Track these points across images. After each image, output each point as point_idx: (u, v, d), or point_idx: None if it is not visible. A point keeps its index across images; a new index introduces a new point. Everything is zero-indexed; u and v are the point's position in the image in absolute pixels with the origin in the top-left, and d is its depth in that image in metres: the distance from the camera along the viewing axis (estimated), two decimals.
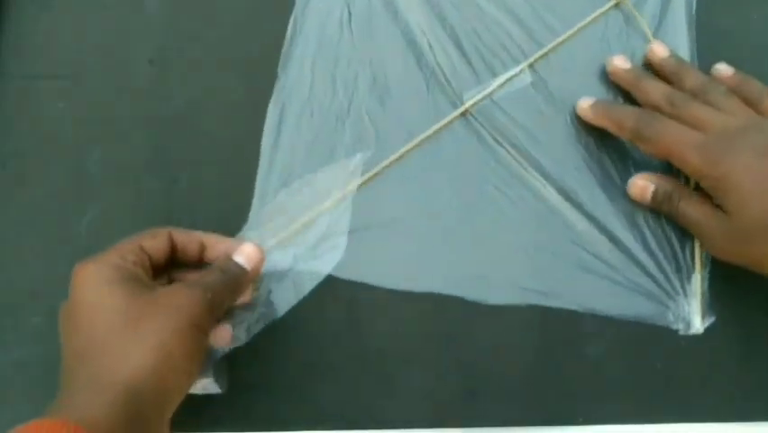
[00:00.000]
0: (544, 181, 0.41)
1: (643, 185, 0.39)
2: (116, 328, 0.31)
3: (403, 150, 0.41)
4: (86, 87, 0.43)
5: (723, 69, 0.40)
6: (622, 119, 0.39)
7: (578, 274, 0.40)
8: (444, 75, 0.42)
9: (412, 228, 0.40)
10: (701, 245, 0.39)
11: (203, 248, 0.36)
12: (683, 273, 0.39)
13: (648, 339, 0.39)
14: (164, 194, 0.42)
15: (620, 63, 0.41)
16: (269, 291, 0.38)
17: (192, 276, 0.35)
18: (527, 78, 0.42)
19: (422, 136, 0.41)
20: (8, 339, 0.40)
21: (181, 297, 0.32)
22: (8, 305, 0.40)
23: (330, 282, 0.40)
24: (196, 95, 0.43)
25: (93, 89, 0.43)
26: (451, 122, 0.42)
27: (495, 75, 0.42)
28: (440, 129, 0.41)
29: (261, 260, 0.36)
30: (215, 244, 0.36)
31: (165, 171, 0.42)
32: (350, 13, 0.44)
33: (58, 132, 0.43)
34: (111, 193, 0.42)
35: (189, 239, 0.36)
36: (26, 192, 0.42)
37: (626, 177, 0.41)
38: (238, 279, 0.35)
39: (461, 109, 0.42)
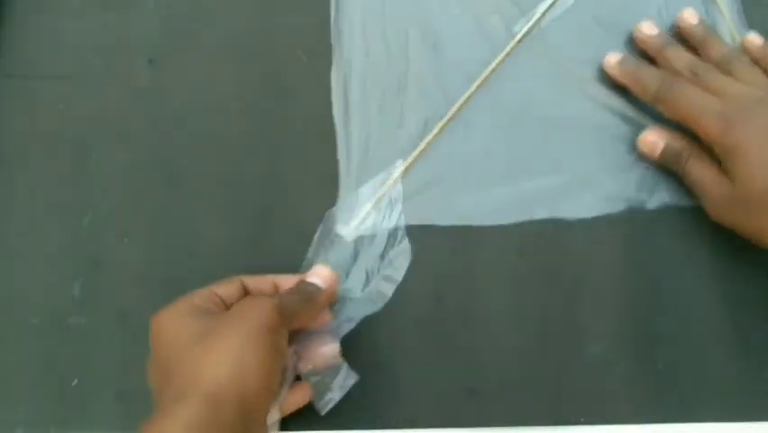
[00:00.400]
0: (608, 92, 0.42)
1: (653, 141, 0.40)
2: (191, 346, 0.31)
3: (467, 93, 0.42)
4: (86, 87, 0.43)
5: (752, 38, 0.41)
6: (647, 82, 0.40)
7: (659, 173, 0.41)
8: (489, 13, 0.44)
9: (494, 164, 0.42)
10: (703, 206, 0.39)
11: (277, 288, 0.37)
12: None
13: (648, 339, 0.39)
14: (164, 194, 0.42)
15: (647, 29, 0.41)
16: (353, 304, 0.39)
17: None
18: (569, 1, 0.44)
19: (482, 77, 0.42)
20: (8, 339, 0.40)
21: (249, 304, 0.33)
22: (8, 305, 0.40)
23: None
24: (196, 95, 0.43)
25: (93, 89, 0.43)
26: (506, 56, 0.43)
27: (537, 3, 0.44)
28: (497, 66, 0.43)
29: (335, 279, 0.37)
30: (288, 281, 0.37)
31: (165, 171, 0.42)
32: None
33: (58, 132, 0.43)
34: (111, 193, 0.42)
35: (261, 284, 0.37)
36: (26, 192, 0.42)
37: None
38: (311, 294, 0.36)
39: (514, 42, 0.43)
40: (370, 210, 0.40)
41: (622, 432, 0.38)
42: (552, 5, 0.44)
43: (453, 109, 0.42)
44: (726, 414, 0.38)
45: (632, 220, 0.41)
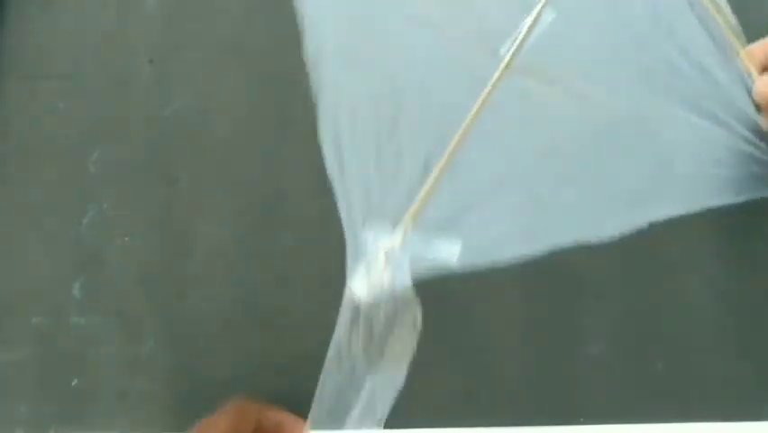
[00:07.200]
0: (609, 102, 0.41)
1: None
2: None
3: (464, 125, 0.41)
4: (86, 87, 0.43)
5: None
6: None
7: (677, 174, 0.40)
8: (472, 39, 0.42)
9: (508, 194, 0.40)
10: None
11: None
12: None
13: (648, 339, 0.39)
14: (164, 194, 0.42)
15: (763, 86, 0.38)
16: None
17: None
18: (549, 14, 0.42)
19: (476, 106, 0.41)
20: (8, 339, 0.40)
21: None
22: (8, 305, 0.40)
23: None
24: (196, 95, 0.43)
25: (93, 89, 0.43)
26: (498, 82, 0.41)
27: (519, 22, 0.42)
28: (491, 92, 0.41)
29: None
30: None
31: (165, 171, 0.42)
32: (352, 17, 0.43)
33: (58, 132, 0.43)
34: (111, 193, 0.42)
35: None
36: (26, 192, 0.42)
37: (677, 71, 0.41)
38: None
39: (503, 65, 0.42)
40: (383, 267, 0.38)
41: (622, 432, 0.38)
42: (533, 24, 0.41)
43: (452, 145, 0.40)
44: (726, 414, 0.38)
45: None
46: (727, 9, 0.41)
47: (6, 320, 0.40)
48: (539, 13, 0.42)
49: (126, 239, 0.41)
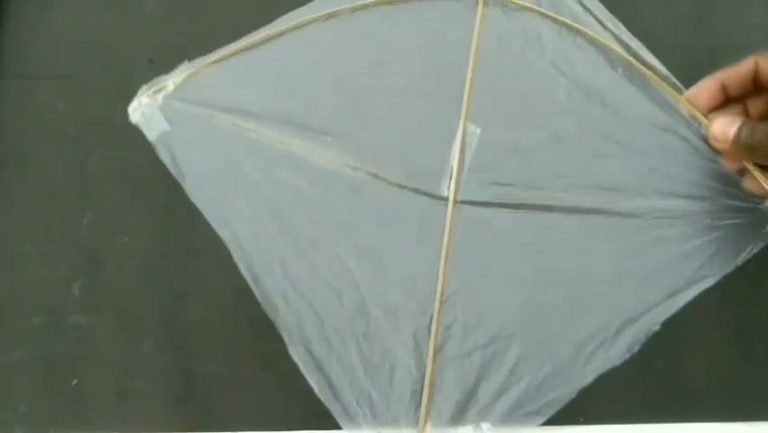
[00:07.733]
0: (574, 210, 0.39)
1: (726, 121, 0.37)
2: None
3: (439, 286, 0.38)
4: (86, 87, 0.43)
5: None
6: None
7: (676, 263, 0.39)
8: (410, 190, 0.39)
9: (515, 352, 0.38)
10: None
11: None
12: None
13: (648, 339, 0.39)
14: (164, 194, 0.42)
15: (720, 130, 0.37)
16: None
17: None
18: (474, 131, 0.39)
19: (442, 258, 0.38)
20: (8, 339, 0.40)
21: None
22: (8, 305, 0.40)
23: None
24: None
25: (93, 89, 0.43)
26: (452, 223, 0.38)
27: (447, 154, 0.39)
28: (450, 234, 0.38)
29: None
30: None
31: (165, 171, 0.42)
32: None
33: (58, 132, 0.43)
34: (111, 193, 0.42)
35: None
36: (26, 192, 0.42)
37: (625, 145, 0.40)
38: None
39: (450, 206, 0.38)
40: None
41: (622, 432, 0.38)
42: (464, 149, 0.39)
43: (436, 308, 0.37)
44: (726, 414, 0.38)
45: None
46: (653, 59, 0.40)
47: (6, 320, 0.40)
48: (464, 134, 0.38)
49: (126, 239, 0.41)
